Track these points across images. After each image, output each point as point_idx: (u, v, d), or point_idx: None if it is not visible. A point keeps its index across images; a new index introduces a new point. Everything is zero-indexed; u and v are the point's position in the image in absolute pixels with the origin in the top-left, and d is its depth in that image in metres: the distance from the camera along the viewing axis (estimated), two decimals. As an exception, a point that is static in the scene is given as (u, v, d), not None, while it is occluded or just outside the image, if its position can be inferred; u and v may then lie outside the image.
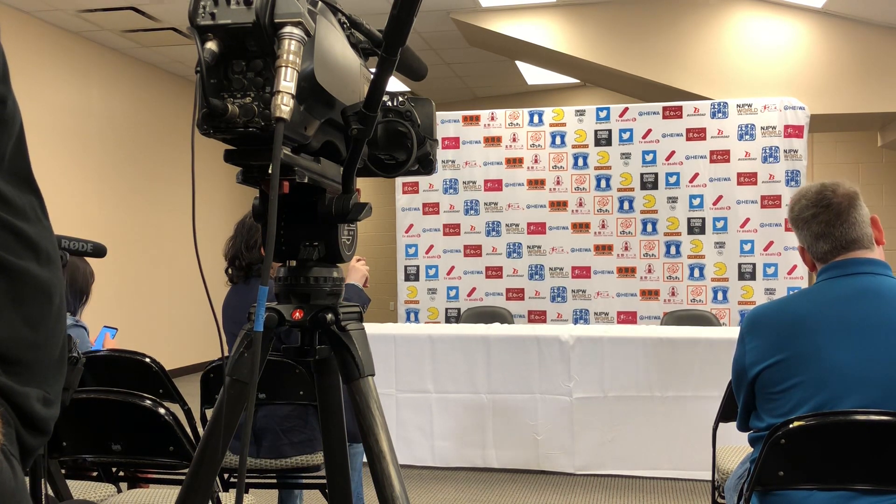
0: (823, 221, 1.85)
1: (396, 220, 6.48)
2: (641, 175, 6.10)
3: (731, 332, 4.42)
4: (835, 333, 1.76)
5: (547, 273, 6.22)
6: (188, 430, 2.11)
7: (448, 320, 6.27)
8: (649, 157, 6.08)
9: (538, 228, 6.25)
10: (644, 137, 6.08)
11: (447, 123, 6.37)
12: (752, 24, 6.62)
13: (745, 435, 2.01)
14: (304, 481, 2.91)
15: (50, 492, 1.92)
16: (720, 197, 5.97)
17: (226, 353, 1.09)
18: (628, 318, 6.06)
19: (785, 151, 5.89)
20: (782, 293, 5.71)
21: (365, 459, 1.20)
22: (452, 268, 6.35)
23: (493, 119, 6.36)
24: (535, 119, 6.29)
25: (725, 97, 6.31)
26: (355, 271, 2.88)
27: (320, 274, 1.15)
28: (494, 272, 6.30)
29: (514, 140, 6.31)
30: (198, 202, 8.87)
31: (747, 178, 5.92)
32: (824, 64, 6.53)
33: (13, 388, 0.68)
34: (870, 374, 1.72)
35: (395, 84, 8.66)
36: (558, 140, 6.24)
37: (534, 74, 8.85)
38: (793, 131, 5.89)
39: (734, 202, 5.94)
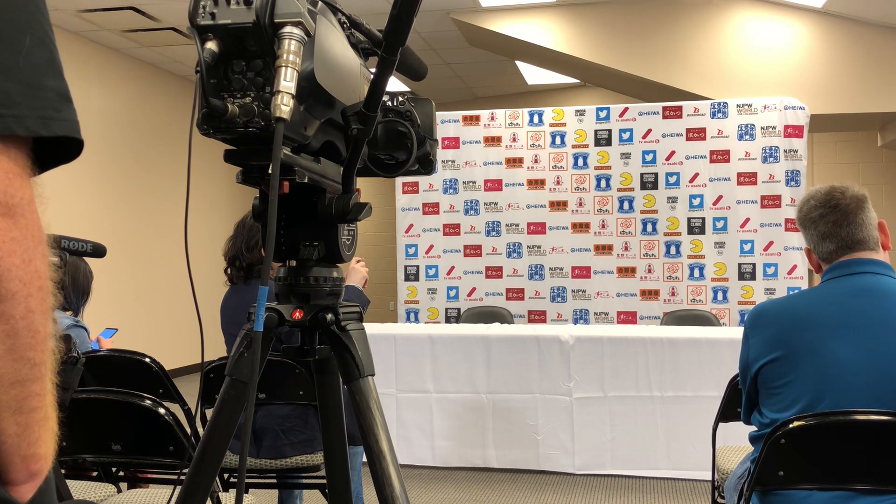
0: (830, 222, 1.87)
1: (396, 220, 6.48)
2: (641, 175, 6.09)
3: (731, 332, 4.42)
4: (834, 330, 1.77)
5: (547, 273, 6.22)
6: (188, 430, 2.11)
7: (448, 320, 6.27)
8: (649, 157, 6.08)
9: (538, 228, 6.25)
10: (644, 137, 6.08)
11: (447, 123, 6.37)
12: (752, 24, 6.62)
13: (746, 435, 2.02)
14: (304, 481, 2.91)
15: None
16: (720, 197, 5.97)
17: (208, 358, 1.09)
18: (628, 318, 6.06)
19: (785, 151, 5.89)
20: (782, 293, 5.71)
21: (365, 459, 1.20)
22: (452, 268, 6.35)
23: (493, 119, 6.35)
24: (535, 119, 6.29)
25: (725, 97, 6.31)
26: (355, 272, 2.88)
27: (320, 274, 1.15)
28: (494, 272, 6.30)
29: (514, 140, 6.31)
30: (198, 202, 8.87)
31: (747, 178, 5.92)
32: (824, 64, 6.53)
33: None
34: (869, 370, 1.72)
35: (395, 84, 8.66)
36: (558, 140, 6.24)
37: (534, 74, 8.85)
38: (793, 131, 5.89)
39: (734, 202, 5.94)
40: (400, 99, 1.18)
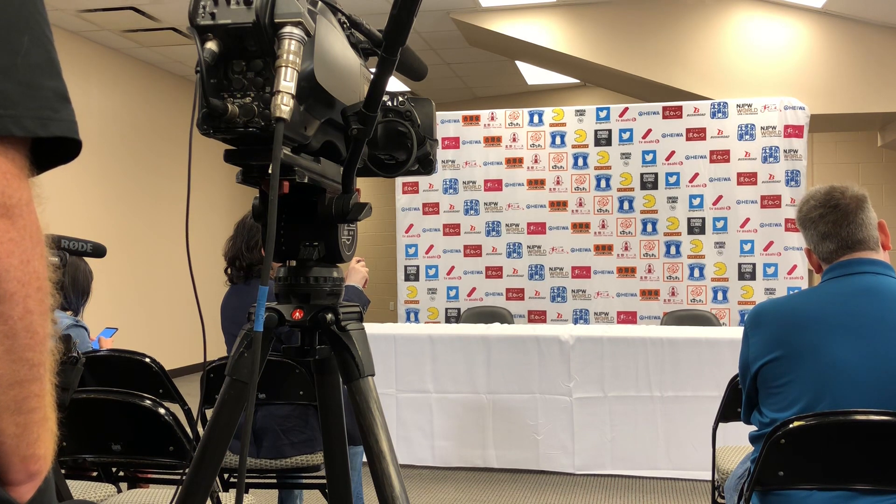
0: (830, 221, 1.87)
1: (396, 220, 6.48)
2: (641, 175, 6.09)
3: (731, 332, 4.42)
4: (834, 330, 1.77)
5: (547, 273, 6.22)
6: (188, 430, 2.11)
7: (448, 320, 6.27)
8: (649, 157, 6.08)
9: (538, 228, 6.24)
10: (644, 137, 6.08)
11: (447, 123, 6.37)
12: (752, 24, 6.62)
13: (746, 435, 2.02)
14: (304, 481, 2.91)
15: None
16: (720, 197, 5.97)
17: (208, 358, 1.09)
18: (628, 318, 6.06)
19: (785, 151, 5.89)
20: (782, 293, 5.71)
21: (365, 459, 1.20)
22: (452, 268, 6.35)
23: (493, 119, 6.35)
24: (535, 119, 6.29)
25: (725, 97, 6.31)
26: (355, 272, 2.88)
27: (320, 274, 1.15)
28: (494, 272, 6.30)
29: (514, 140, 6.31)
30: (198, 202, 8.87)
31: (747, 178, 5.92)
32: (824, 64, 6.53)
33: None
34: (869, 370, 1.72)
35: (395, 84, 8.66)
36: (558, 140, 6.24)
37: (534, 74, 8.85)
38: (793, 131, 5.89)
39: (734, 202, 5.93)
40: (400, 99, 1.18)
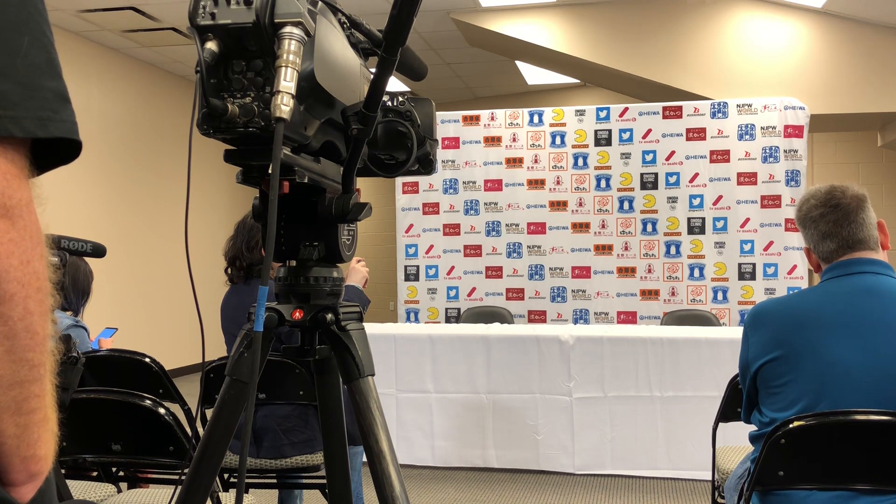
0: (831, 221, 1.87)
1: (396, 220, 6.48)
2: (641, 175, 6.09)
3: (731, 332, 4.42)
4: (834, 330, 1.77)
5: (547, 273, 6.22)
6: (188, 430, 2.11)
7: (448, 320, 6.27)
8: (649, 157, 6.08)
9: (538, 228, 6.25)
10: (644, 137, 6.08)
11: (447, 123, 6.37)
12: (752, 24, 6.62)
13: (746, 435, 2.02)
14: (304, 481, 2.91)
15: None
16: (720, 197, 5.97)
17: (208, 358, 1.09)
18: (628, 318, 6.06)
19: (785, 151, 5.89)
20: (782, 293, 5.71)
21: (365, 459, 1.20)
22: (452, 268, 6.35)
23: (493, 119, 6.35)
24: (535, 119, 6.29)
25: (725, 97, 6.31)
26: (355, 272, 2.88)
27: (320, 274, 1.15)
28: (494, 272, 6.30)
29: (514, 140, 6.31)
30: (198, 202, 8.87)
31: (747, 178, 5.92)
32: (824, 64, 6.53)
33: None
34: (869, 370, 1.72)
35: (395, 84, 8.66)
36: (558, 140, 6.24)
37: (534, 74, 8.85)
38: (793, 131, 5.89)
39: (734, 202, 5.94)
40: (400, 99, 1.18)
